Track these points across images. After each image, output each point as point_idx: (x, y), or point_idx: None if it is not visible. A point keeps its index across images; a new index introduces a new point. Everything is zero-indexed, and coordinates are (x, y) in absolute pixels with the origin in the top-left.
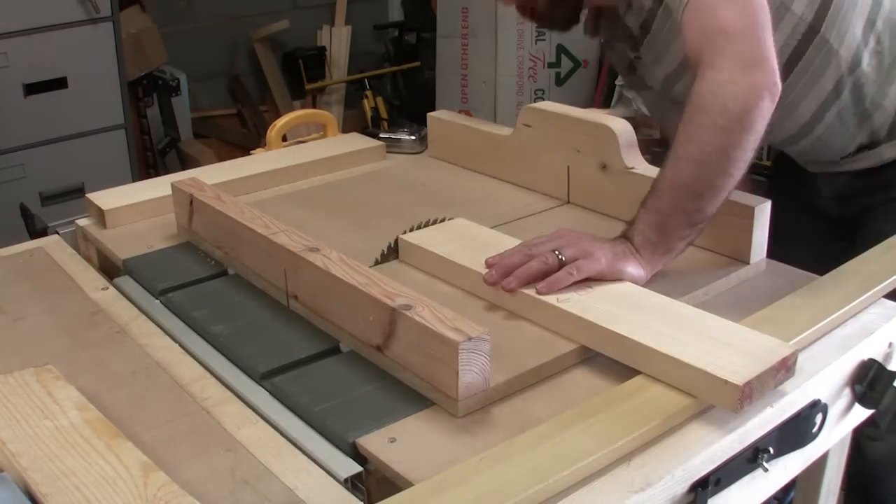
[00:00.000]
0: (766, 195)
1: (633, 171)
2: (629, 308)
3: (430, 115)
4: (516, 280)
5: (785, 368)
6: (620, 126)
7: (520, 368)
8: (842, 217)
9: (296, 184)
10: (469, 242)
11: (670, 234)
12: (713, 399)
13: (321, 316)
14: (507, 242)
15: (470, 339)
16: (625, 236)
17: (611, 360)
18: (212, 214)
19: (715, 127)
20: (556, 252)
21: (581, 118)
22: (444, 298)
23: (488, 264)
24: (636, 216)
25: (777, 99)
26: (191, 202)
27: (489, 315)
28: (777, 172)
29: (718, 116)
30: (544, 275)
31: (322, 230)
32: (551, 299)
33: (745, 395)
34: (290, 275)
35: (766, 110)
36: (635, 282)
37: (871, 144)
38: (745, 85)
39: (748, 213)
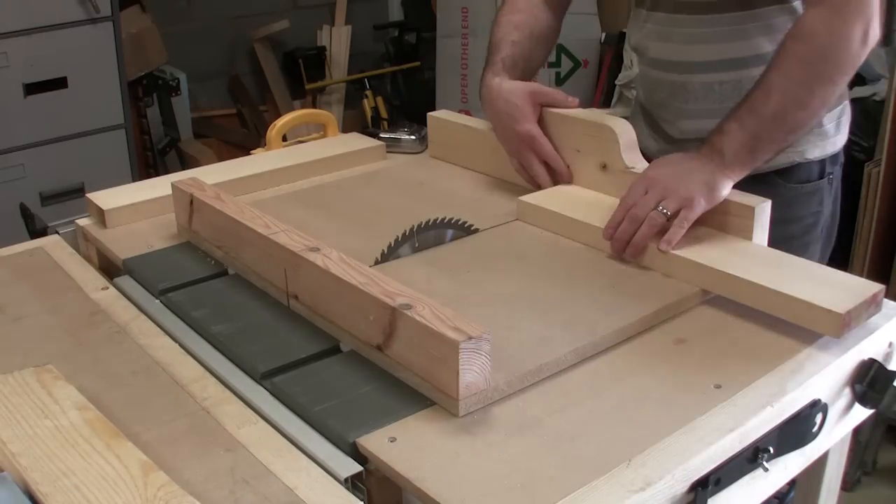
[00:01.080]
0: None
1: (634, 170)
2: (736, 254)
3: (430, 114)
4: (636, 249)
5: (875, 303)
6: (621, 126)
7: (520, 368)
8: None
9: (295, 184)
10: (581, 203)
11: (758, 158)
12: (820, 327)
13: (321, 316)
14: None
15: (470, 338)
16: (714, 147)
17: (614, 356)
18: (212, 214)
19: (829, 81)
20: (661, 208)
21: (581, 118)
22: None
23: (606, 237)
24: (727, 127)
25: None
26: (191, 202)
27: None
28: None
29: (835, 72)
30: (657, 234)
31: (322, 230)
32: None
33: (846, 323)
34: (291, 274)
35: (863, 60)
36: (721, 199)
37: None
38: (860, 44)
39: (748, 214)
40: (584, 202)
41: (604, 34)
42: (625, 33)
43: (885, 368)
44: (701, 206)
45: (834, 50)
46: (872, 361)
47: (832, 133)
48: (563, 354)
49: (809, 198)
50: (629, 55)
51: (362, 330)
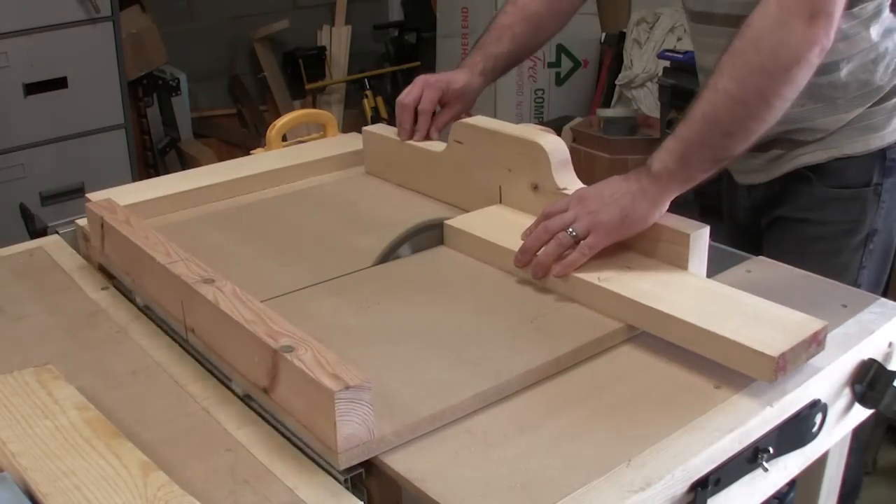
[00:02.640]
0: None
1: (566, 192)
2: (667, 286)
3: (364, 129)
4: (540, 269)
5: (817, 342)
6: (553, 144)
7: (412, 416)
8: (749, 228)
9: (296, 183)
10: (509, 227)
11: (692, 166)
12: (751, 371)
13: (215, 353)
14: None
15: (348, 387)
16: (644, 165)
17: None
18: (119, 239)
19: (762, 70)
20: (570, 230)
21: (511, 135)
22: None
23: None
24: (663, 142)
25: (823, 56)
26: (102, 224)
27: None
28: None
29: (768, 60)
30: (561, 256)
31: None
32: (592, 279)
33: (780, 367)
34: (187, 307)
35: (813, 65)
36: (647, 226)
37: (790, 144)
38: (802, 35)
39: (683, 241)
40: (513, 226)
41: (604, 34)
42: (625, 33)
43: (885, 368)
44: (612, 235)
45: (772, 43)
46: (872, 361)
47: (880, 126)
48: (460, 401)
49: (847, 204)
50: (629, 55)
51: (250, 371)
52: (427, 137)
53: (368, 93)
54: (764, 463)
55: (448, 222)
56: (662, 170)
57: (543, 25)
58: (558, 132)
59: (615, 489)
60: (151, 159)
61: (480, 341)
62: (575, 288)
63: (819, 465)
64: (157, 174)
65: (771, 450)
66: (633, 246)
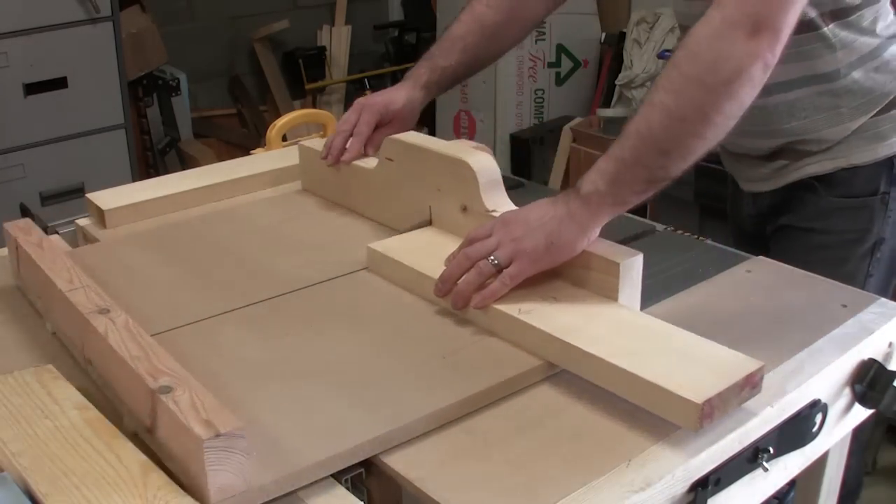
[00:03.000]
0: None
1: (495, 214)
2: (593, 320)
3: (300, 143)
4: (460, 299)
5: (751, 385)
6: (482, 163)
7: (298, 464)
8: (754, 235)
9: (295, 183)
10: (435, 252)
11: (624, 187)
12: (674, 418)
13: (110, 387)
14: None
15: (218, 435)
16: (573, 186)
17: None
18: (29, 262)
19: (700, 83)
20: (492, 258)
21: (439, 152)
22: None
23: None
24: (596, 162)
25: (769, 73)
26: (17, 246)
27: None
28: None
29: (706, 73)
30: (483, 285)
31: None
32: (513, 311)
33: (706, 414)
34: (84, 337)
35: (757, 81)
36: (576, 253)
37: (796, 154)
38: (744, 47)
39: (613, 270)
40: (439, 250)
41: (604, 34)
42: (625, 33)
43: (885, 368)
44: (536, 264)
45: (712, 55)
46: (872, 361)
47: (888, 135)
48: (353, 446)
49: (854, 213)
50: (629, 55)
51: (137, 408)
52: (358, 157)
53: (368, 93)
54: (764, 463)
55: (371, 245)
56: (592, 192)
57: (500, 35)
58: (558, 132)
59: (615, 489)
60: (151, 159)
61: (386, 378)
62: (494, 320)
63: (819, 465)
64: (157, 174)
65: (771, 450)
66: (562, 274)
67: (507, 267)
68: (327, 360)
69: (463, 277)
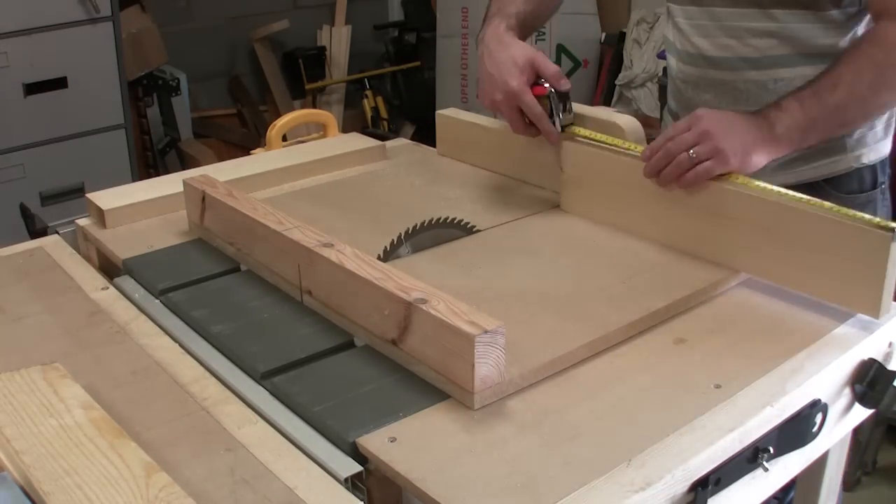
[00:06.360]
0: None
1: None
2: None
3: (438, 112)
4: (665, 182)
5: None
6: (628, 123)
7: (535, 362)
8: None
9: (295, 183)
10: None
11: (807, 141)
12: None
13: (335, 311)
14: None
15: (486, 332)
16: (767, 119)
17: (619, 353)
18: (224, 211)
19: (893, 86)
20: (692, 153)
21: (586, 115)
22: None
23: (644, 158)
24: (786, 104)
25: None
26: (203, 199)
27: None
28: None
29: None
30: (682, 175)
31: (330, 226)
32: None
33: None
34: (304, 270)
35: None
36: (750, 171)
37: (807, 159)
38: None
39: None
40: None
41: (604, 34)
42: (625, 33)
43: (885, 368)
44: (729, 166)
45: None
46: (872, 361)
47: (881, 136)
48: (575, 348)
49: (861, 208)
50: (629, 55)
51: (377, 324)
52: (553, 133)
53: (368, 93)
54: (764, 463)
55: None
56: (784, 136)
57: None
58: None
59: (615, 489)
60: (151, 159)
61: (578, 300)
62: (709, 195)
63: (819, 465)
64: (157, 174)
65: (771, 449)
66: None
67: (702, 162)
68: (522, 286)
69: (665, 170)
